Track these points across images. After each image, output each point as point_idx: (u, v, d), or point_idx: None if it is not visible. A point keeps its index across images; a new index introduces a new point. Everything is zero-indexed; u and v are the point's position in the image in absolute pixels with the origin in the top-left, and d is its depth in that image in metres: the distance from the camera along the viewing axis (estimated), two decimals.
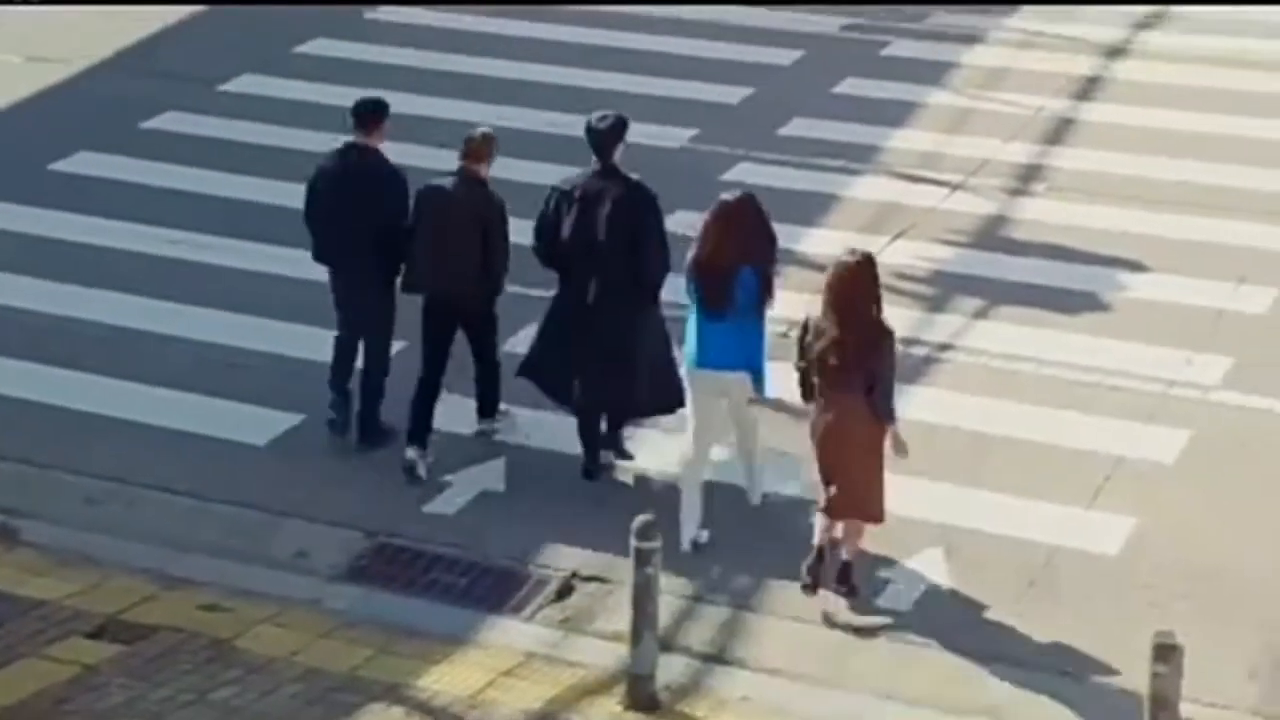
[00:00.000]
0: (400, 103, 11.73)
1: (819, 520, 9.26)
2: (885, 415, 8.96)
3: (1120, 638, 8.73)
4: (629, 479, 10.31)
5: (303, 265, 12.71)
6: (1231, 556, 9.45)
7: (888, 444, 9.02)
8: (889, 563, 9.47)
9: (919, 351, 11.50)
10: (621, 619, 8.63)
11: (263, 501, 10.09)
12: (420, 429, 10.38)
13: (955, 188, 14.00)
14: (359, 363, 10.74)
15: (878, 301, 8.97)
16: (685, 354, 9.69)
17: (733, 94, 15.82)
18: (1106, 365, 11.29)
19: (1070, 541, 9.63)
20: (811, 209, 13.48)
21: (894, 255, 12.64)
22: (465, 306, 10.41)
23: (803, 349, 9.07)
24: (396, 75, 16.11)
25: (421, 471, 10.31)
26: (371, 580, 9.50)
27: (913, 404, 10.76)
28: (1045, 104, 15.62)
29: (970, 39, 17.31)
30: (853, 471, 8.99)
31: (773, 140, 14.79)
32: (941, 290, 12.32)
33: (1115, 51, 16.91)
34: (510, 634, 9.06)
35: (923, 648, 8.86)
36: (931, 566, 9.45)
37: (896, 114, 15.44)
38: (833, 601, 9.16)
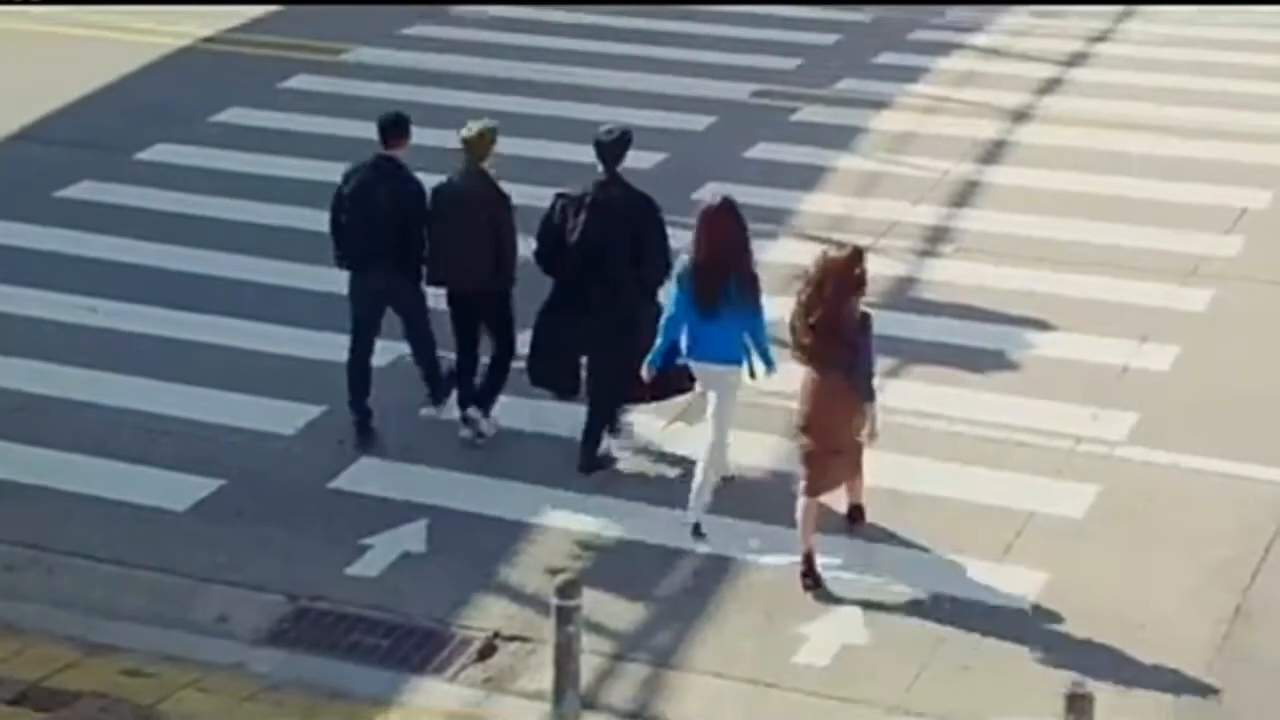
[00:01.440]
0: (313, 170, 11.92)
1: (800, 508, 9.82)
2: (865, 394, 9.70)
3: (1033, 689, 8.90)
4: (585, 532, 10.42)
5: (220, 330, 12.87)
6: (1141, 608, 9.66)
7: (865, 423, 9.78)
8: (808, 617, 9.61)
9: None
10: (544, 678, 8.71)
11: (184, 567, 10.10)
12: (469, 396, 11.35)
13: (865, 249, 14.19)
14: (372, 364, 11.47)
15: (859, 291, 9.70)
16: (681, 349, 10.33)
17: (646, 159, 15.99)
18: (1016, 422, 11.52)
19: (982, 596, 9.81)
20: None
21: None
22: (478, 298, 11.21)
23: (796, 329, 9.81)
24: (309, 143, 16.30)
25: (485, 428, 11.30)
26: (294, 643, 9.53)
27: None
28: (951, 167, 15.92)
29: (878, 104, 17.63)
30: (835, 446, 9.81)
31: (686, 204, 14.91)
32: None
33: (1019, 116, 17.27)
34: (434, 695, 9.12)
35: (841, 702, 8.99)
36: (850, 622, 9.59)
37: (807, 178, 15.70)
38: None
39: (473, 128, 11.12)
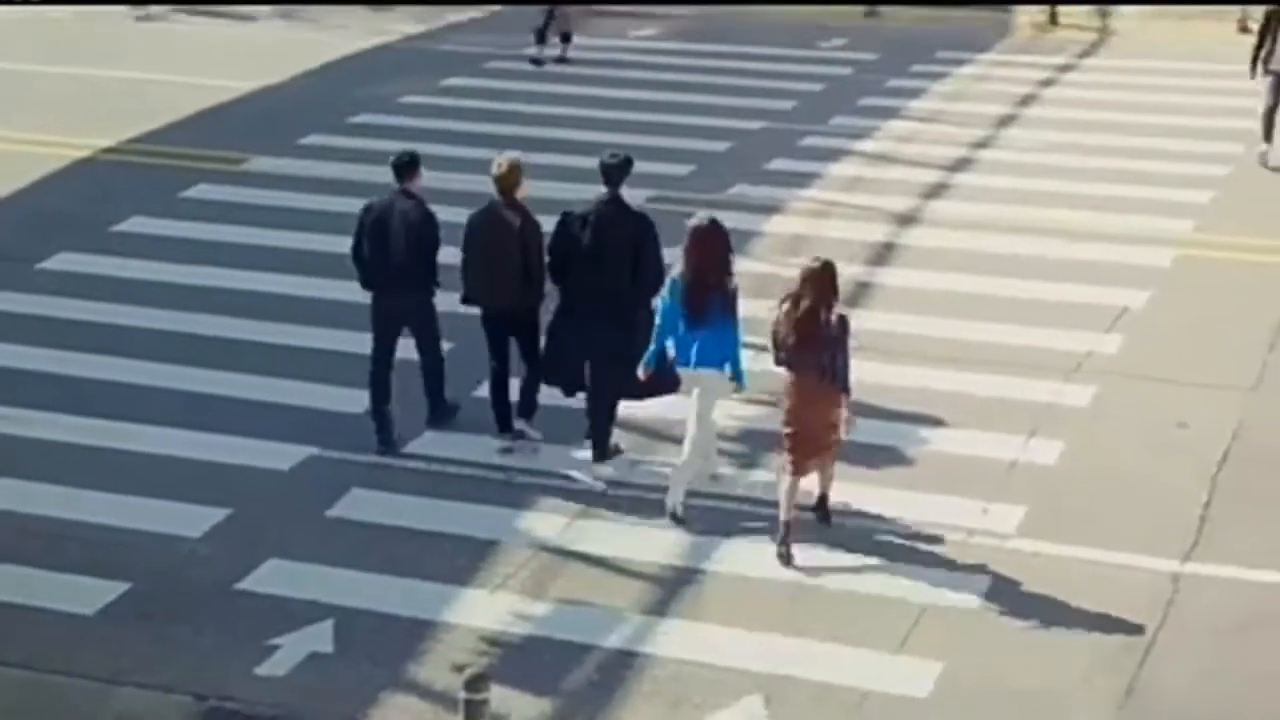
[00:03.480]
0: (215, 277, 12.14)
1: (785, 487, 11.13)
2: (844, 388, 11.09)
3: None
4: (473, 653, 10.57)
5: (124, 436, 12.95)
6: (1035, 694, 9.94)
7: (842, 415, 11.11)
8: (713, 708, 9.80)
9: (731, 506, 11.96)
10: None
11: (93, 670, 10.15)
12: (504, 414, 12.64)
13: (761, 349, 14.54)
14: (381, 386, 12.67)
15: (835, 298, 11.13)
16: (651, 353, 11.64)
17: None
18: (910, 516, 11.83)
19: (881, 685, 10.06)
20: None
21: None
22: (512, 315, 12.48)
23: (777, 337, 11.16)
24: (210, 250, 16.49)
25: (533, 434, 12.58)
26: None
27: (728, 557, 11.28)
28: (842, 269, 16.17)
29: (769, 209, 18.03)
30: (818, 436, 11.18)
31: None
32: (752, 447, 12.80)
33: (906, 219, 17.73)
34: None
35: None
36: (753, 713, 9.79)
37: None
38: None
39: (502, 164, 12.45)
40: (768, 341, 11.36)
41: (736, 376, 11.62)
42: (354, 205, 17.50)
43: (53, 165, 19.52)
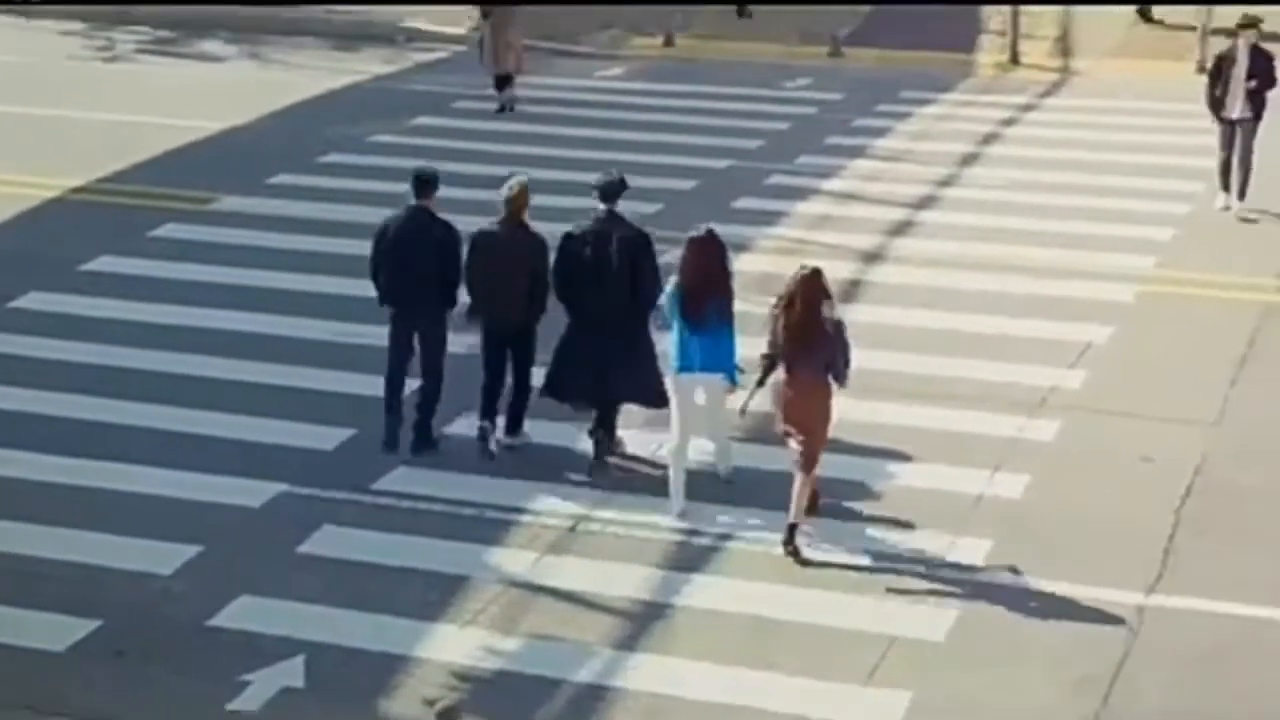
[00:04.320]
0: (185, 315, 12.18)
1: (798, 485, 11.72)
2: (841, 380, 11.80)
3: None
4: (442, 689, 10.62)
5: (95, 473, 12.98)
6: None
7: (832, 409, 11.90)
8: None
9: (701, 541, 12.05)
10: None
11: (64, 707, 10.17)
12: (490, 409, 13.07)
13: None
14: (396, 387, 13.25)
15: (829, 300, 11.80)
16: (671, 360, 12.41)
17: None
18: (877, 549, 11.92)
19: (851, 716, 10.13)
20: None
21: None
22: (513, 329, 13.03)
23: (774, 339, 11.78)
24: (179, 289, 16.55)
25: (491, 445, 13.02)
26: None
27: (697, 592, 11.37)
28: None
29: (737, 247, 17.89)
30: (814, 431, 11.80)
31: None
32: (718, 482, 12.89)
33: (872, 257, 17.87)
34: None
35: None
36: None
37: None
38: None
39: (514, 186, 13.05)
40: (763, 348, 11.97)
41: (730, 377, 12.35)
42: (324, 244, 17.75)
43: (22, 205, 19.54)
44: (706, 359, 12.29)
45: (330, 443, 13.23)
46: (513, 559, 11.84)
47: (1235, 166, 19.03)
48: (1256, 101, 18.93)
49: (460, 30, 28.00)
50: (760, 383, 11.94)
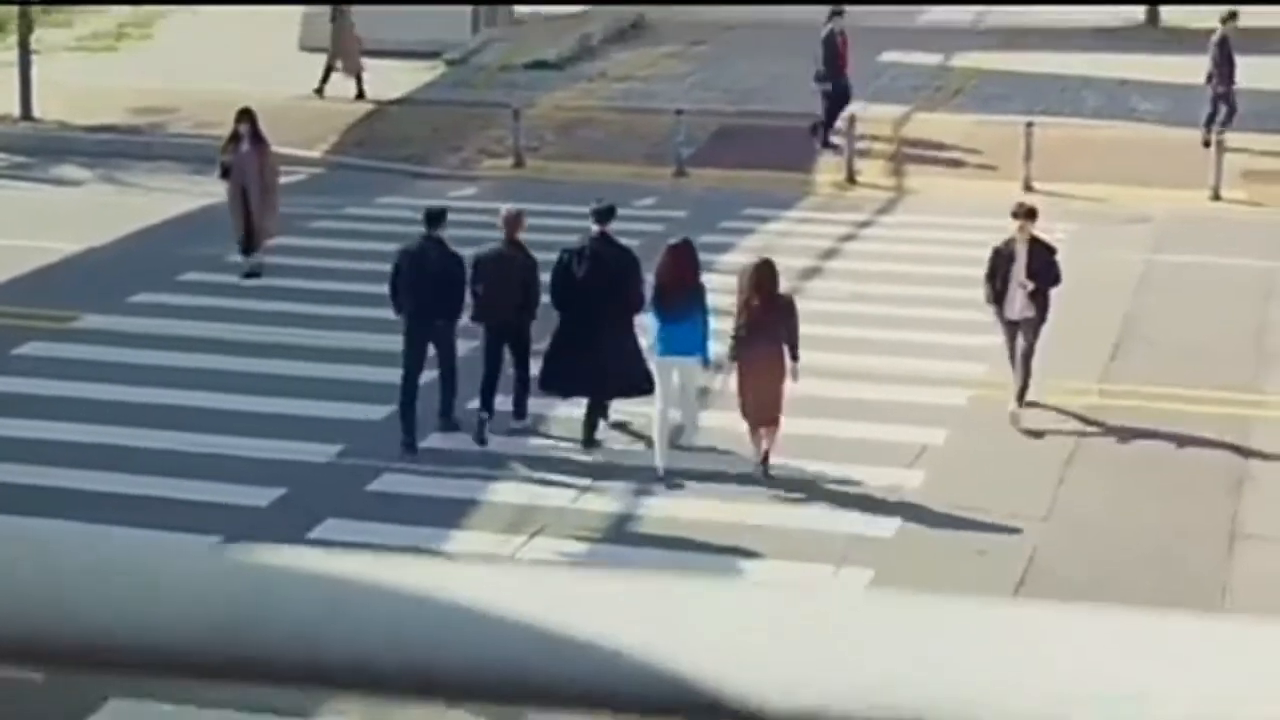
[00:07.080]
0: (49, 430, 12.22)
1: (750, 434, 14.87)
2: (794, 353, 14.86)
3: None
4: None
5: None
6: None
7: (788, 374, 14.90)
8: None
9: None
10: None
11: None
12: (488, 399, 15.86)
13: (585, 490, 15.29)
14: (412, 386, 15.97)
15: (776, 283, 15.10)
16: (653, 346, 15.28)
17: (322, 451, 16.93)
18: None
19: None
20: (451, 513, 14.58)
21: (531, 551, 13.79)
22: (510, 331, 15.95)
23: (739, 318, 14.78)
24: (43, 406, 16.84)
25: (485, 433, 15.77)
26: None
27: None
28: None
29: None
30: (768, 393, 14.75)
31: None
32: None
33: (718, 366, 18.51)
34: None
35: None
36: None
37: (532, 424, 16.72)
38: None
39: (510, 211, 16.40)
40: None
41: (704, 358, 15.25)
42: (186, 360, 18.09)
43: None
44: (681, 344, 14.94)
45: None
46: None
47: (1016, 367, 16.65)
48: (1039, 301, 16.50)
49: (316, 154, 28.57)
50: (733, 358, 14.84)
